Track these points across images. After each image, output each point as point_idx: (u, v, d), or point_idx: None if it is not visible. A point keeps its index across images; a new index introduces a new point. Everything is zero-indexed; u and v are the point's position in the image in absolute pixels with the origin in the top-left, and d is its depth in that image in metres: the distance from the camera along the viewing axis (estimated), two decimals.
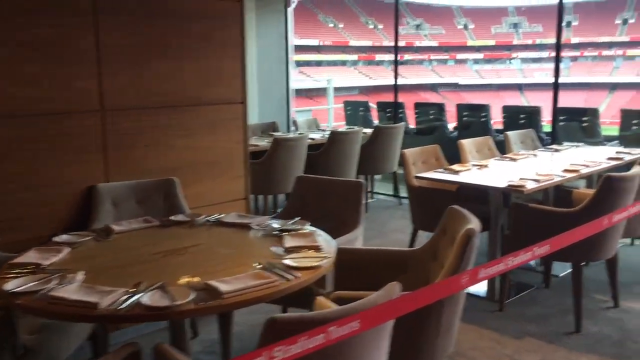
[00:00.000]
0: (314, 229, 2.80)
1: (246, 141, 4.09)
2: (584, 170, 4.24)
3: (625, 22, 64.28)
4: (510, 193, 3.94)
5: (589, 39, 64.12)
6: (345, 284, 2.93)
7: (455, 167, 4.47)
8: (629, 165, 4.40)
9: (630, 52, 61.67)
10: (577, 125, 6.48)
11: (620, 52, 62.50)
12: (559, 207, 4.02)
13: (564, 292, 4.09)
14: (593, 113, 6.74)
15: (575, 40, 65.29)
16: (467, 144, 5.03)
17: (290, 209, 3.55)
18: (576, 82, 62.74)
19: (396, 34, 7.47)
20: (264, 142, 6.03)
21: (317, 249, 2.49)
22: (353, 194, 3.36)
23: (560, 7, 6.13)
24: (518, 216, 3.86)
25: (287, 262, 2.32)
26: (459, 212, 2.67)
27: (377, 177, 7.65)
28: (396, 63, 7.72)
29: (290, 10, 8.02)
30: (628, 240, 5.19)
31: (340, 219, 3.34)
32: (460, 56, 70.57)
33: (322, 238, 2.66)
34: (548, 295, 4.27)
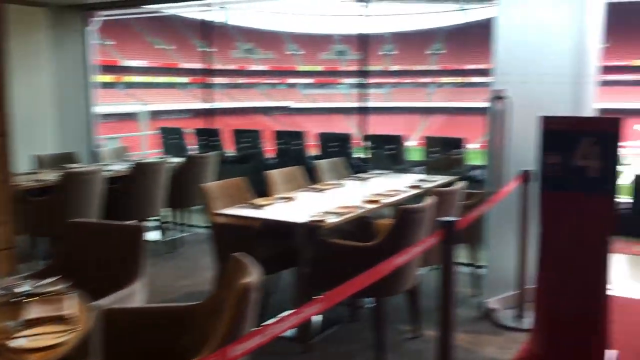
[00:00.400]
0: (68, 291, 2.33)
1: (8, 180, 3.46)
2: (385, 201, 4.25)
3: (435, 52, 71.22)
4: (313, 228, 3.79)
5: (407, 67, 70.00)
6: (120, 349, 2.51)
7: (260, 201, 4.24)
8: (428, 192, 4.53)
9: (442, 79, 68.45)
10: (385, 152, 6.69)
11: (433, 79, 69.09)
12: (364, 238, 3.95)
13: (373, 325, 4.03)
14: (398, 140, 7.01)
15: (394, 68, 70.90)
16: (274, 175, 4.84)
17: (58, 262, 3.02)
18: (398, 106, 67.93)
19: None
20: (51, 177, 5.31)
21: (63, 319, 2.04)
22: (132, 240, 2.93)
23: (364, 36, 6.26)
24: (319, 252, 3.71)
25: (18, 342, 1.85)
26: (240, 261, 2.39)
27: (195, 207, 7.22)
28: (211, 86, 7.37)
29: (91, 29, 7.34)
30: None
31: (117, 271, 2.90)
32: (291, 80, 72.86)
33: (73, 303, 2.21)
34: (357, 330, 4.18)
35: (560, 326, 3.43)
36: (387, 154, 6.71)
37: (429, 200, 3.59)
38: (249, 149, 7.69)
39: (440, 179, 5.07)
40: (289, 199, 4.33)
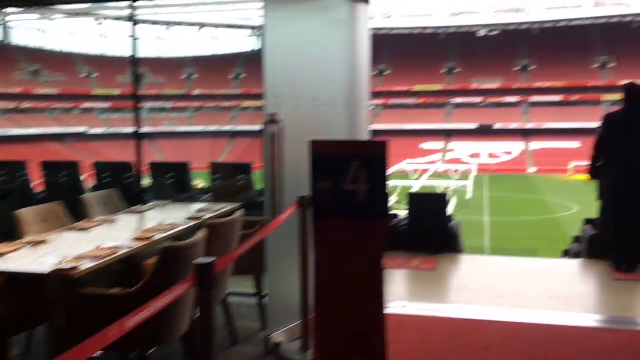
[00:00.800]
0: None
1: None
2: (158, 237, 3.82)
3: (237, 76, 72.21)
4: (62, 278, 3.21)
5: (210, 91, 69.78)
6: None
7: (2, 247, 3.53)
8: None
9: (245, 104, 69.44)
10: (169, 180, 6.24)
11: (235, 103, 69.74)
12: (134, 282, 3.47)
13: None
14: (183, 167, 6.61)
15: (197, 92, 70.24)
16: (26, 214, 4.12)
17: None
18: (200, 131, 67.21)
19: None
20: None
21: None
22: None
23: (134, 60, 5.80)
24: (72, 304, 3.15)
25: None
26: None
27: None
28: None
29: None
30: None
31: None
32: (86, 105, 68.09)
33: None
34: None
35: (339, 352, 3.32)
36: (171, 182, 6.27)
37: (200, 235, 3.25)
38: (10, 182, 6.66)
39: (224, 208, 4.78)
40: (40, 242, 3.68)
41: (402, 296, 4.91)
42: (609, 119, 5.73)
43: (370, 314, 3.32)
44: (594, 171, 5.78)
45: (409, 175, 44.15)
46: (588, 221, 6.74)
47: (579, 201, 34.36)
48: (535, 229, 26.55)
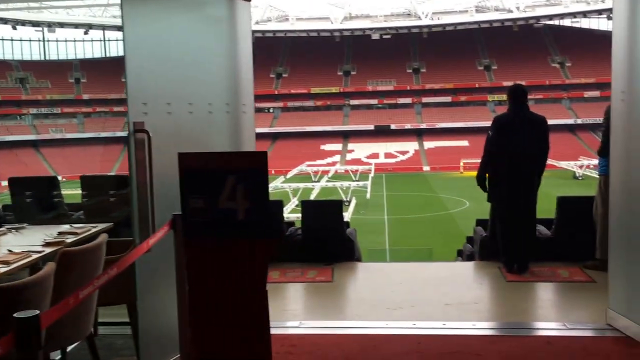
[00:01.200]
0: None
1: None
2: (2, 269, 3.23)
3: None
4: None
5: (100, 96, 66.28)
6: None
7: None
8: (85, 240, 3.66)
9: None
10: (32, 197, 5.52)
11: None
12: None
13: None
14: (50, 182, 5.91)
15: (86, 96, 66.49)
16: None
17: None
18: (92, 137, 63.69)
19: None
20: None
21: None
22: None
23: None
24: None
25: None
26: None
27: None
28: None
29: None
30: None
31: None
32: None
33: None
34: None
35: None
36: (35, 200, 5.55)
37: (46, 268, 2.74)
38: None
39: (93, 229, 4.22)
40: None
41: (296, 313, 4.60)
42: (497, 122, 5.60)
43: (255, 340, 2.97)
44: (482, 177, 5.68)
45: (310, 177, 44.37)
46: (479, 222, 6.75)
47: (470, 197, 36.01)
48: (431, 225, 27.42)
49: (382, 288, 5.13)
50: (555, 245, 5.89)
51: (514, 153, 5.42)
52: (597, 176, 5.71)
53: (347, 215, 23.69)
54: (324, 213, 6.27)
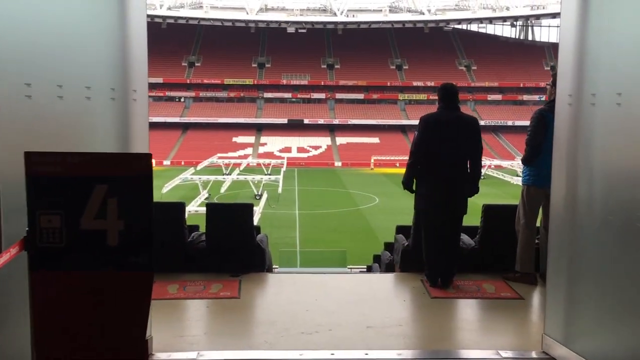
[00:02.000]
0: None
1: None
2: None
3: None
4: None
5: None
6: None
7: None
8: None
9: None
10: None
11: None
12: None
13: None
14: None
15: None
16: None
17: None
18: None
19: None
20: None
21: None
22: None
23: None
24: None
25: None
26: None
27: None
28: None
29: None
30: None
31: None
32: None
33: None
34: None
35: None
36: None
37: None
38: None
39: None
40: None
41: (195, 341, 3.88)
42: (424, 122, 5.11)
43: None
44: (409, 181, 5.24)
45: (221, 169, 43.09)
46: (400, 230, 6.30)
47: (379, 193, 36.37)
48: (342, 220, 27.27)
49: (296, 306, 4.52)
50: (479, 256, 5.52)
51: (440, 155, 4.98)
52: (521, 185, 5.42)
53: (257, 210, 22.93)
54: (231, 217, 5.54)
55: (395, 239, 6.13)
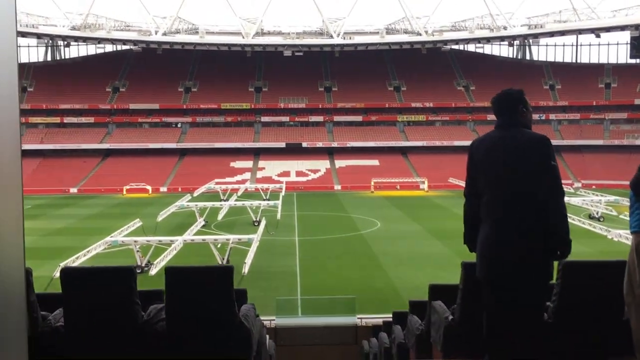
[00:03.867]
0: None
1: None
2: None
3: (24, 89, 64.08)
4: None
5: None
6: None
7: None
8: None
9: (33, 119, 61.79)
10: None
11: (22, 119, 61.45)
12: None
13: None
14: None
15: None
16: None
17: None
18: None
19: None
20: None
21: None
22: None
23: None
24: None
25: None
26: None
27: None
28: None
29: None
30: None
31: None
32: None
33: None
34: None
35: None
36: None
37: None
38: None
39: None
40: None
41: None
42: (470, 151, 3.63)
43: None
44: (471, 237, 3.70)
45: (219, 195, 42.45)
46: (436, 291, 4.63)
47: (380, 216, 35.66)
48: (343, 246, 26.50)
49: None
50: (556, 336, 3.79)
51: (494, 205, 3.43)
52: (630, 234, 3.36)
53: (256, 238, 22.22)
54: (202, 285, 3.94)
55: (431, 307, 4.52)
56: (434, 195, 48.20)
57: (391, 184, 51.64)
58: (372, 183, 51.46)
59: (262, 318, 4.36)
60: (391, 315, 5.37)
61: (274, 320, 4.23)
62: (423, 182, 51.88)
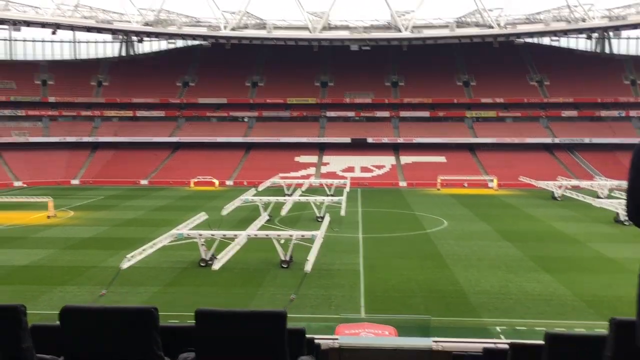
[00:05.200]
0: None
1: None
2: None
3: (100, 84, 66.55)
4: None
5: (67, 99, 63.51)
6: None
7: None
8: None
9: (108, 113, 64.05)
10: None
11: (98, 112, 64.02)
12: None
13: None
14: None
15: (52, 99, 63.61)
16: None
17: None
18: (57, 141, 60.87)
19: None
20: None
21: None
22: None
23: None
24: None
25: None
26: None
27: None
28: None
29: None
30: None
31: None
32: None
33: None
34: None
35: None
36: None
37: None
38: None
39: None
40: None
41: None
42: (634, 155, 2.51)
43: None
44: None
45: (283, 190, 42.51)
46: (621, 326, 2.83)
47: (447, 215, 34.56)
48: (409, 244, 25.74)
49: None
50: None
51: None
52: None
53: (319, 234, 21.81)
54: (245, 332, 3.11)
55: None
56: (504, 194, 46.44)
57: (458, 181, 50.16)
58: (439, 180, 50.18)
59: (324, 336, 3.84)
60: (479, 345, 3.67)
61: (337, 340, 3.75)
62: (492, 180, 50.13)
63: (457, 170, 52.43)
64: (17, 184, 53.84)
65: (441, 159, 57.90)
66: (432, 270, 21.45)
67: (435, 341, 3.62)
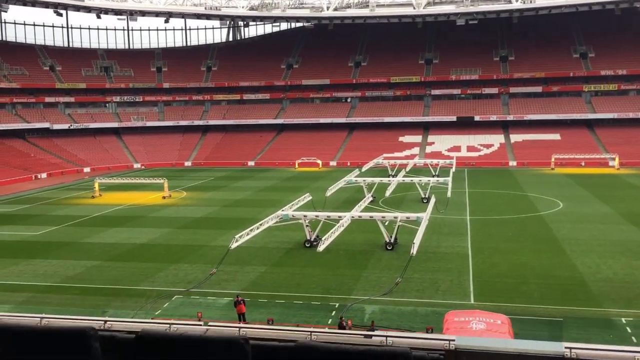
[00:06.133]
0: None
1: None
2: None
3: (209, 69, 69.13)
4: None
5: (179, 85, 66.64)
6: None
7: None
8: None
9: (217, 97, 66.52)
10: None
11: (207, 97, 66.64)
12: None
13: None
14: None
15: (166, 85, 67.01)
16: None
17: None
18: (171, 125, 64.26)
19: None
20: None
21: None
22: None
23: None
24: None
25: None
26: None
27: None
28: None
29: None
30: None
31: None
32: (49, 99, 64.54)
33: None
34: None
35: None
36: None
37: None
38: None
39: None
40: None
41: None
42: None
43: None
44: None
45: (387, 170, 41.96)
46: None
47: (563, 196, 32.42)
48: (520, 227, 24.34)
49: None
50: None
51: None
52: None
53: (424, 216, 21.17)
54: None
55: None
56: (627, 173, 42.93)
57: (575, 160, 47.01)
58: (553, 159, 47.32)
59: (437, 336, 3.42)
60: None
61: (453, 341, 3.36)
62: (613, 159, 46.49)
63: (573, 148, 49.12)
64: (136, 165, 57.44)
65: (555, 136, 54.54)
66: (546, 255, 20.19)
67: (568, 347, 3.12)
